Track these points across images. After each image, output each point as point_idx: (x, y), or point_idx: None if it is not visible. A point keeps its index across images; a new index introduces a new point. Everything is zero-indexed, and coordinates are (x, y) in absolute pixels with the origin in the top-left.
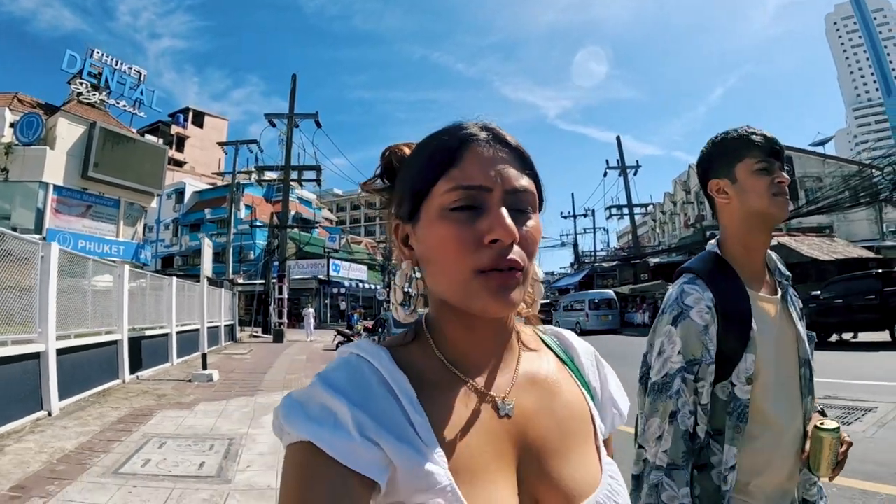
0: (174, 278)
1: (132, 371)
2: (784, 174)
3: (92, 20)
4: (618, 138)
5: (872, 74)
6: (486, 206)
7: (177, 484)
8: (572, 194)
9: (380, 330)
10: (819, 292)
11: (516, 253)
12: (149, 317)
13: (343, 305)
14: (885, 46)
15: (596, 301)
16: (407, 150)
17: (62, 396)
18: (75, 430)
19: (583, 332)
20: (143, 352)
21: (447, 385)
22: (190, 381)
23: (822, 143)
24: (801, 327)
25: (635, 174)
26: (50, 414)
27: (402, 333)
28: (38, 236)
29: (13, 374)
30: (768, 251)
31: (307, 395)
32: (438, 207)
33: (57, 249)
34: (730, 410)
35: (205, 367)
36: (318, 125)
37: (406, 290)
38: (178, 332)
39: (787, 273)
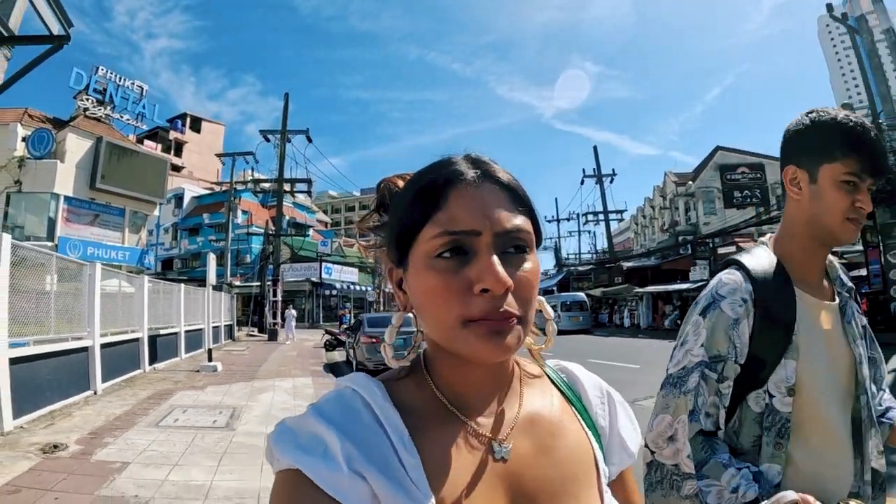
0: (182, 285)
1: (150, 363)
2: (868, 200)
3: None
4: (594, 148)
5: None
6: (475, 251)
7: (198, 431)
8: (556, 199)
9: (357, 329)
10: None
11: (510, 303)
12: (162, 318)
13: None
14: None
15: (568, 303)
16: (401, 183)
17: (103, 381)
18: (118, 403)
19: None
20: (159, 347)
21: (442, 424)
22: (198, 371)
23: None
24: (861, 347)
25: (611, 182)
26: (95, 393)
27: (399, 367)
28: (50, 244)
29: (70, 363)
30: (830, 257)
31: (299, 423)
32: (425, 255)
33: (99, 267)
34: (767, 425)
35: (210, 359)
36: (309, 140)
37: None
38: (185, 331)
39: (850, 284)
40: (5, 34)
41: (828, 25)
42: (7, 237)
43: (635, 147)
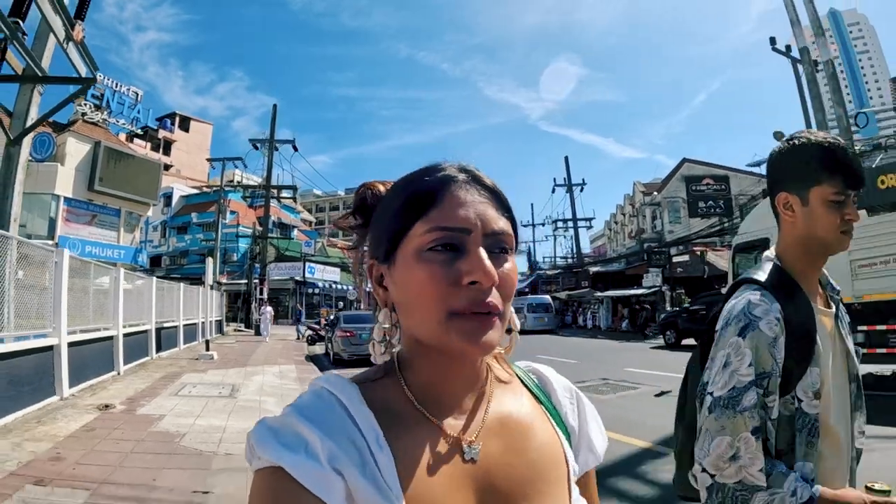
0: (182, 284)
1: (157, 351)
2: (854, 211)
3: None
4: (566, 158)
5: (847, 87)
6: (466, 247)
7: (208, 399)
8: (532, 204)
9: (334, 325)
10: (688, 304)
11: (494, 296)
12: (165, 313)
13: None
14: (860, 60)
15: (534, 305)
16: (382, 188)
17: (124, 364)
18: (139, 380)
19: (522, 332)
20: (162, 338)
21: (414, 425)
22: (197, 359)
23: (759, 164)
24: (851, 343)
25: (581, 191)
26: (119, 373)
27: (374, 368)
28: (50, 242)
29: (98, 350)
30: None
31: (280, 422)
32: (416, 248)
33: (122, 271)
34: (799, 427)
35: (208, 349)
36: (295, 149)
37: (384, 328)
38: (184, 325)
39: (838, 287)
40: (40, 74)
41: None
42: (66, 252)
43: (620, 150)
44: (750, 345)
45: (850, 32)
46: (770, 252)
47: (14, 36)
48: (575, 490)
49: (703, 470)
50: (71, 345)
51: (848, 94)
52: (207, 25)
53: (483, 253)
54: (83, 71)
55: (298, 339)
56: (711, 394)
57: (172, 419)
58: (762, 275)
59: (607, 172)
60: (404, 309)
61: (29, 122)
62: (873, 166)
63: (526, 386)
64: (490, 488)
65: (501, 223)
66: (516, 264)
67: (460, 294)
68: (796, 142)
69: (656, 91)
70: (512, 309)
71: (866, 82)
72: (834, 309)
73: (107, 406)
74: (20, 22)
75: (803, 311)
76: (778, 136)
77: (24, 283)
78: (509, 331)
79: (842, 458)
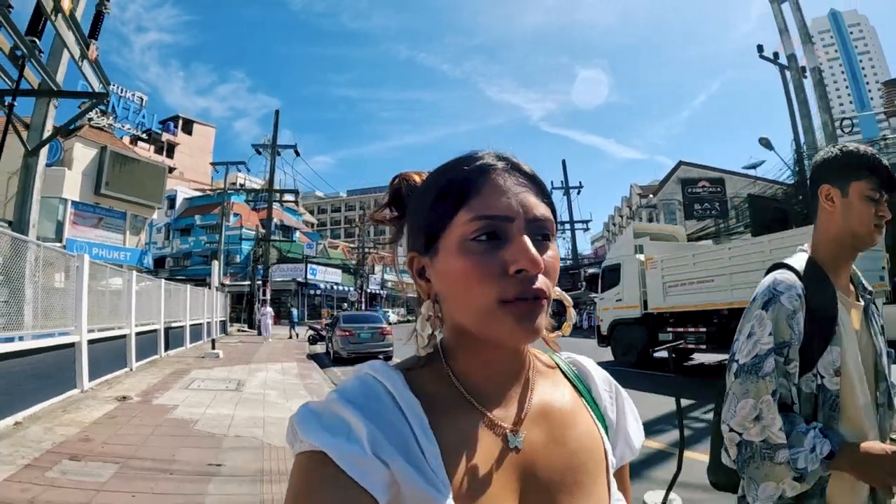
0: (189, 286)
1: (165, 350)
2: (887, 210)
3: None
4: (563, 162)
5: (847, 88)
6: (509, 235)
7: (216, 392)
8: None
9: (334, 325)
10: None
11: (541, 282)
12: (172, 313)
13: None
14: (860, 60)
15: None
16: (417, 179)
17: (136, 361)
18: (150, 376)
19: None
20: (170, 337)
21: (459, 413)
22: (203, 357)
23: (754, 166)
24: (882, 342)
25: (578, 194)
26: (131, 370)
27: (417, 357)
28: (59, 244)
29: (116, 346)
30: (852, 266)
31: (323, 406)
32: (459, 238)
33: (135, 274)
34: (821, 402)
35: (213, 347)
36: (297, 154)
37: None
38: (190, 325)
39: (870, 287)
40: (55, 88)
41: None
42: (86, 257)
43: (621, 151)
44: (771, 316)
45: (851, 33)
46: (805, 245)
47: (32, 54)
48: (613, 483)
49: (731, 430)
50: (90, 342)
51: (849, 94)
52: (208, 26)
53: (528, 240)
54: (96, 86)
55: (290, 337)
56: (737, 361)
57: (185, 408)
58: (793, 261)
59: (608, 173)
60: (450, 299)
61: (45, 135)
62: None
63: (566, 377)
64: (532, 477)
65: (542, 209)
66: (558, 250)
67: (508, 282)
68: (843, 148)
69: (657, 92)
70: (570, 300)
71: (867, 83)
72: (862, 305)
73: (124, 397)
74: (37, 41)
75: (826, 295)
76: (763, 142)
77: (47, 285)
78: (562, 313)
79: (870, 435)
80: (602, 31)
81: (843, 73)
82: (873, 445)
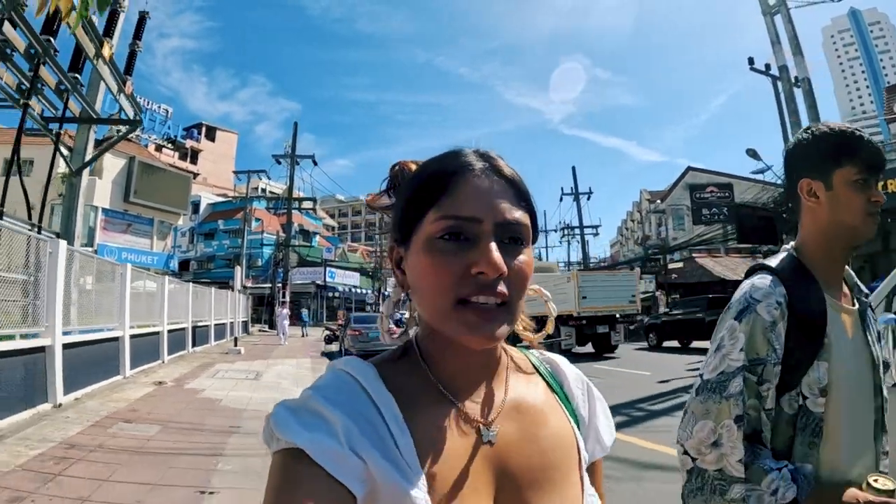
0: (213, 288)
1: (192, 346)
2: (880, 193)
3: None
4: (573, 168)
5: (868, 88)
6: (476, 237)
7: (238, 380)
8: (545, 212)
9: (346, 325)
10: (668, 308)
11: (503, 286)
12: (198, 313)
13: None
14: (881, 60)
15: None
16: (413, 167)
17: (168, 355)
18: (180, 368)
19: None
20: (196, 335)
21: (432, 406)
22: (227, 353)
23: (762, 171)
24: (878, 351)
25: (588, 199)
26: (164, 362)
27: (392, 350)
28: (90, 249)
29: (151, 341)
30: (846, 267)
31: (299, 404)
32: (427, 236)
33: (168, 279)
34: (801, 426)
35: (236, 344)
36: (315, 163)
37: (399, 312)
38: (214, 325)
39: (867, 290)
40: (94, 116)
41: (832, 36)
42: (129, 266)
43: (642, 153)
44: (745, 328)
45: (871, 32)
46: (789, 244)
47: (75, 88)
48: (587, 478)
49: (685, 452)
50: (131, 337)
51: (870, 94)
52: (228, 32)
53: (493, 245)
54: (131, 114)
55: (303, 336)
56: (702, 376)
57: (212, 391)
58: (774, 261)
59: (629, 175)
60: (416, 294)
61: (87, 157)
62: None
63: (540, 374)
64: (505, 471)
65: (516, 213)
66: (532, 256)
67: (467, 283)
68: (815, 130)
69: (676, 94)
70: (549, 295)
71: (888, 83)
72: (857, 309)
73: (160, 383)
74: (78, 76)
75: (813, 300)
76: (751, 153)
77: (101, 290)
78: (544, 320)
79: (866, 457)
80: (620, 34)
81: (863, 72)
82: (856, 495)
